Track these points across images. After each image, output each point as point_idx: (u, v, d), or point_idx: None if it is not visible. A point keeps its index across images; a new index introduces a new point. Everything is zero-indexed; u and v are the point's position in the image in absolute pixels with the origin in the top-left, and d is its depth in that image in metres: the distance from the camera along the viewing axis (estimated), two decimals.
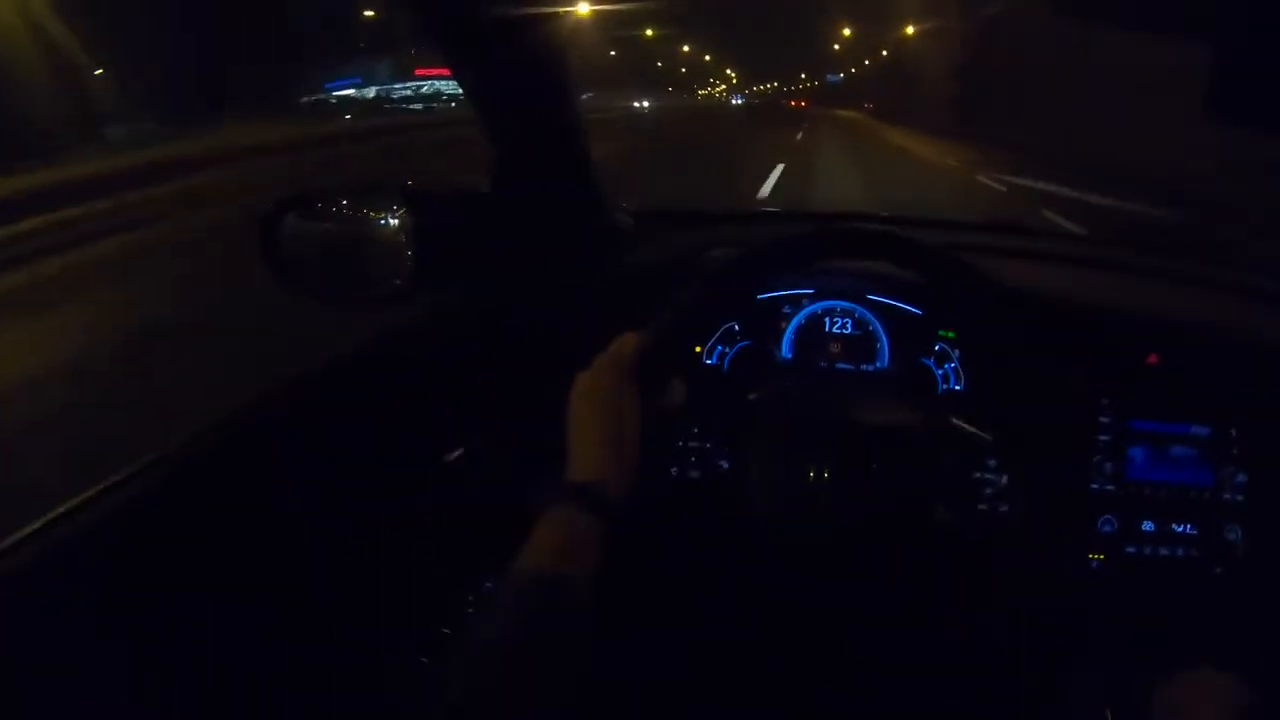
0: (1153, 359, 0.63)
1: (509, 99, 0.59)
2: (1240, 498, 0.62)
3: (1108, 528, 0.63)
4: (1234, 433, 0.62)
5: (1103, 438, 0.63)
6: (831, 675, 0.70)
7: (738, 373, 0.69)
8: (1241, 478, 0.62)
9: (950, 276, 0.51)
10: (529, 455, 0.59)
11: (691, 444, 0.66)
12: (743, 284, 0.55)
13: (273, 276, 0.56)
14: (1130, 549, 0.63)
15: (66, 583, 0.41)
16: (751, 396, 0.61)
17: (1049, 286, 0.69)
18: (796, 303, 0.68)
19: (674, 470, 0.67)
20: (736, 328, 0.69)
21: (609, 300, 0.59)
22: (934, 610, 0.67)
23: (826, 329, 0.69)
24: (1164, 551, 0.63)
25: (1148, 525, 0.63)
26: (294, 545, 0.55)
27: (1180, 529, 0.63)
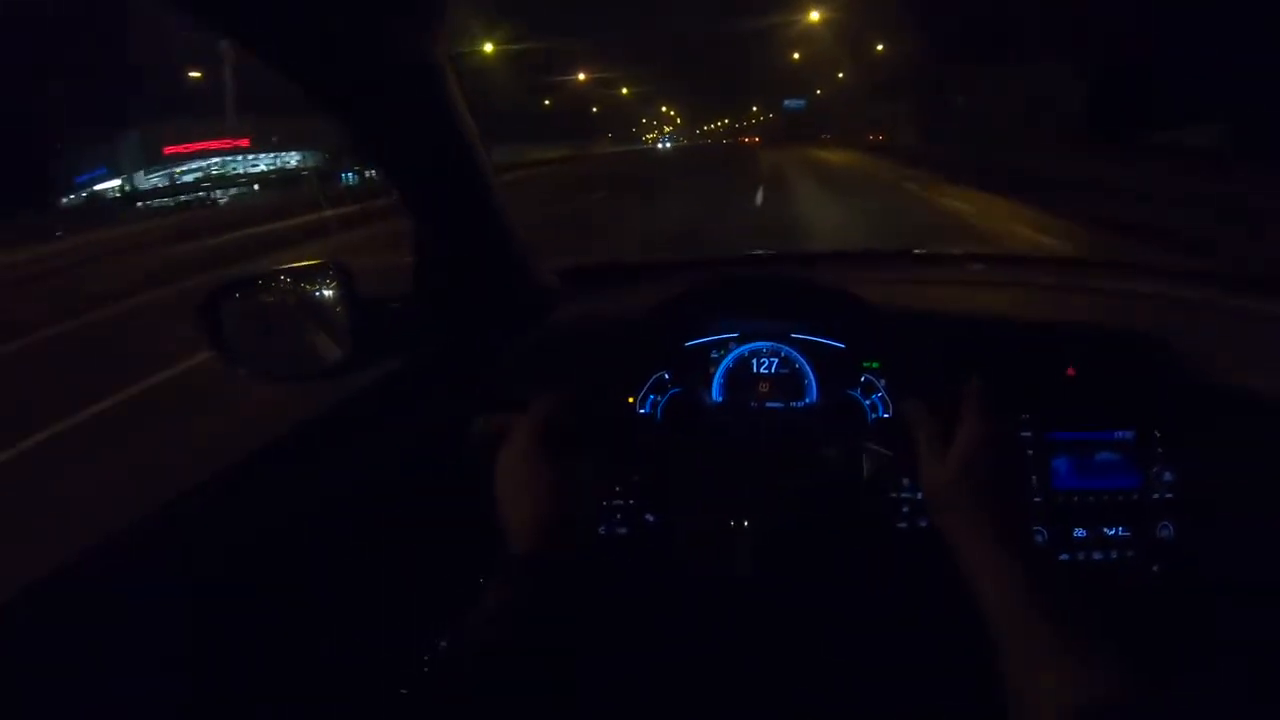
0: (1070, 371, 1.04)
1: (418, 169, 0.96)
2: (1170, 495, 0.99)
3: (1038, 538, 0.99)
4: (1158, 433, 1.00)
5: (1026, 451, 1.00)
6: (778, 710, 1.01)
7: (671, 421, 1.05)
8: (1169, 476, 0.99)
9: (868, 310, 0.87)
10: (467, 520, 0.91)
11: (617, 501, 1.00)
12: (671, 327, 0.92)
13: (219, 359, 0.89)
14: (1064, 556, 0.99)
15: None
16: (675, 448, 0.97)
17: (964, 309, 1.13)
18: (724, 346, 1.08)
19: (602, 528, 1.01)
20: (667, 376, 1.06)
21: (537, 362, 0.95)
22: (870, 634, 1.01)
23: (755, 370, 1.07)
24: (1098, 556, 0.99)
25: (1079, 532, 0.99)
26: (237, 611, 0.82)
27: (1112, 532, 0.99)
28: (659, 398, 1.06)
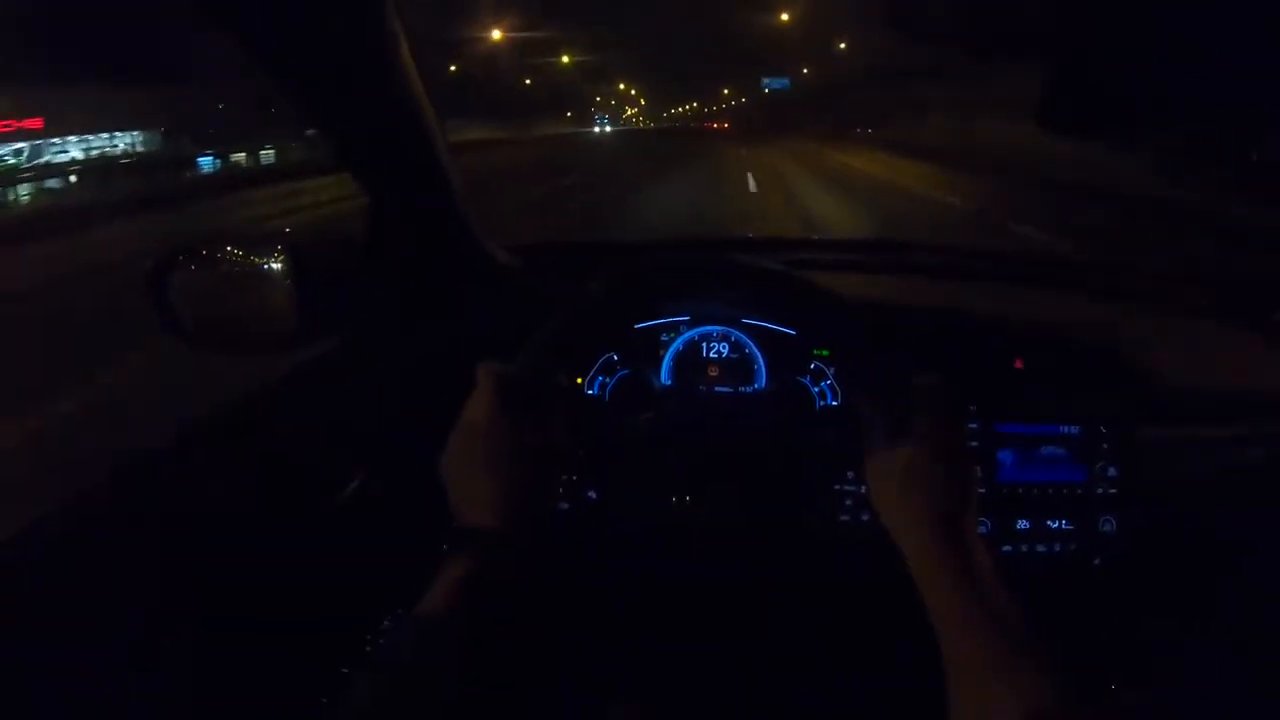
0: (1018, 364, 1.36)
1: (372, 143, 1.22)
2: (1113, 491, 1.30)
3: (982, 529, 1.29)
4: (1103, 429, 1.31)
5: (971, 444, 1.30)
6: (716, 695, 1.32)
7: (618, 402, 1.35)
8: (1113, 472, 1.30)
9: (819, 296, 1.14)
10: (416, 493, 1.18)
11: (560, 475, 1.28)
12: (622, 307, 1.20)
13: (163, 329, 1.14)
14: (1006, 548, 1.30)
15: None
16: (621, 425, 1.26)
17: (915, 299, 1.45)
18: (674, 329, 1.38)
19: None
20: (615, 358, 1.36)
21: (488, 337, 1.20)
22: (810, 621, 1.31)
23: (704, 354, 1.38)
24: (1040, 548, 1.30)
25: (1022, 524, 1.30)
26: (183, 590, 1.07)
27: (1055, 525, 1.30)
28: (607, 379, 1.37)
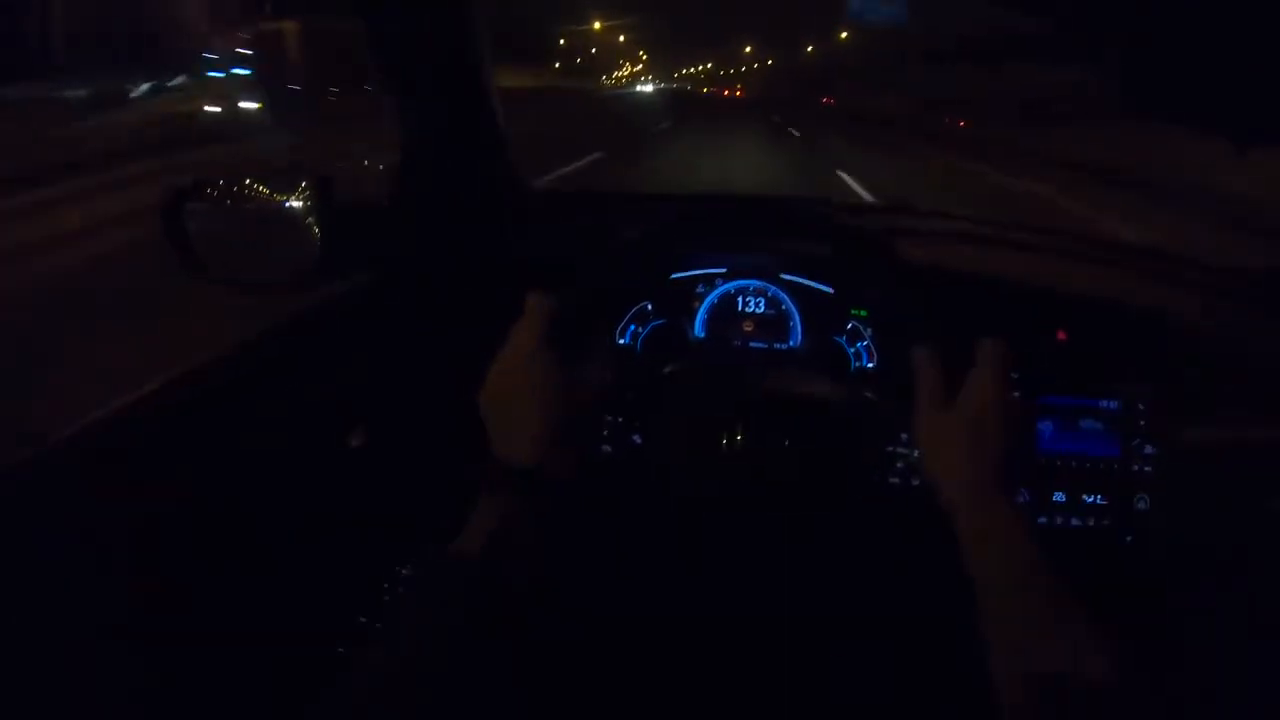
0: (1061, 335, 1.57)
1: (420, 72, 1.41)
2: (1149, 469, 1.51)
3: (1020, 499, 1.50)
4: (1141, 406, 1.52)
5: (1027, 417, 1.48)
6: (760, 648, 1.54)
7: (651, 353, 1.56)
8: (1150, 450, 1.52)
9: (861, 253, 1.35)
10: (439, 436, 1.36)
11: (605, 418, 1.50)
12: (659, 255, 1.40)
13: (179, 263, 1.33)
14: (1042, 519, 1.51)
15: None
16: (666, 370, 1.49)
17: (958, 266, 1.66)
18: (710, 282, 1.60)
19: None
20: (650, 307, 1.58)
21: (517, 279, 1.36)
22: (852, 574, 1.52)
23: (740, 308, 1.61)
24: (1075, 521, 1.51)
25: (1059, 496, 1.51)
26: (193, 541, 1.21)
27: (1090, 499, 1.51)
28: (640, 329, 1.59)
